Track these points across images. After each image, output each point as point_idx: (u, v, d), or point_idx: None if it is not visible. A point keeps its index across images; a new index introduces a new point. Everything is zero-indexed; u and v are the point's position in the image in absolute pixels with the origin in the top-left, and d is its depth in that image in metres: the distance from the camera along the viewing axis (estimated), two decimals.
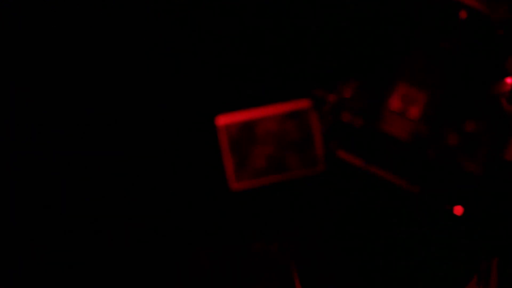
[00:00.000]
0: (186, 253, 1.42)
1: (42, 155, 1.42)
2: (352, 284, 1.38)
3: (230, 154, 1.18)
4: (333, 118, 1.15)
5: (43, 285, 1.42)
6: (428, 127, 1.10)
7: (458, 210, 1.13)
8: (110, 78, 1.42)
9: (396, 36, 1.22)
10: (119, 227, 1.43)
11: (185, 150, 1.40)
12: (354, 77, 1.14)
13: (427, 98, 1.11)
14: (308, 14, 1.38)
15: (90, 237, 1.42)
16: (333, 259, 1.39)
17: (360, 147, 1.14)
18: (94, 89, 1.42)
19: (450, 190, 1.11)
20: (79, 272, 1.41)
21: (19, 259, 1.41)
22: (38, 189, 1.42)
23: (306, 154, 1.18)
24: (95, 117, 1.42)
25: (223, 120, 1.17)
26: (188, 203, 1.42)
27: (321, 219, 1.39)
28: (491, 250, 1.20)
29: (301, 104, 1.17)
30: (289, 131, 1.18)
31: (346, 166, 1.16)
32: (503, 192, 1.11)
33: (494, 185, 1.10)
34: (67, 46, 1.41)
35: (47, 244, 1.42)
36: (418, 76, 1.11)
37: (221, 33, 1.41)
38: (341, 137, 1.15)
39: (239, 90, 1.38)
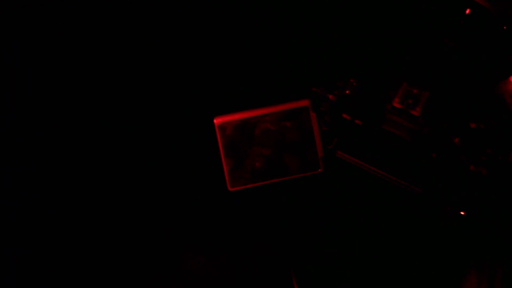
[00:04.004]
0: (184, 253, 1.40)
1: (42, 155, 1.40)
2: (350, 284, 1.34)
3: (228, 154, 1.14)
4: (332, 118, 1.10)
5: (43, 285, 1.39)
6: (430, 126, 1.04)
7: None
8: (110, 78, 1.41)
9: (398, 34, 1.19)
10: (117, 227, 1.40)
11: (183, 151, 1.39)
12: (354, 76, 1.09)
13: (429, 97, 1.06)
14: (307, 14, 1.34)
15: (88, 237, 1.39)
16: (331, 260, 1.35)
17: (361, 147, 1.09)
18: (94, 89, 1.41)
19: (453, 191, 1.05)
20: (78, 272, 1.40)
21: (19, 259, 1.39)
22: (38, 189, 1.40)
23: (305, 154, 1.14)
24: (94, 117, 1.41)
25: (220, 120, 1.12)
26: (187, 204, 1.40)
27: (320, 219, 1.36)
28: (495, 252, 1.15)
29: (300, 103, 1.12)
30: (288, 131, 1.13)
31: (346, 167, 1.11)
32: (507, 193, 1.05)
33: (498, 185, 1.04)
34: (67, 46, 1.41)
35: (47, 244, 1.40)
36: (420, 75, 1.06)
37: (220, 33, 1.38)
38: (341, 137, 1.10)
39: (239, 91, 1.36)
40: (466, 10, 1.08)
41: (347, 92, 1.10)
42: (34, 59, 1.39)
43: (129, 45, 1.39)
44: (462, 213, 1.07)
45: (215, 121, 1.14)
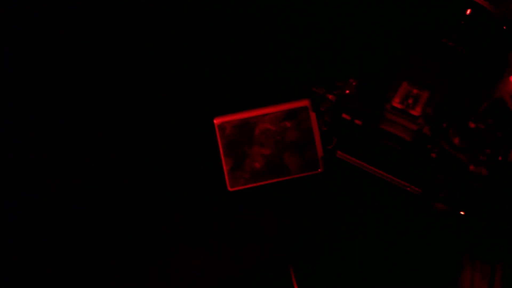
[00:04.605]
0: (184, 253, 1.39)
1: (42, 155, 1.40)
2: (350, 284, 1.33)
3: (227, 154, 1.13)
4: (332, 118, 1.09)
5: (43, 285, 1.39)
6: (430, 126, 1.04)
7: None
8: (109, 78, 1.40)
9: (398, 34, 1.18)
10: (116, 227, 1.40)
11: (183, 151, 1.39)
12: (354, 76, 1.09)
13: (429, 97, 1.05)
14: (307, 14, 1.34)
15: (88, 236, 1.40)
16: (331, 260, 1.34)
17: (361, 147, 1.08)
18: (94, 89, 1.40)
19: (453, 191, 1.05)
20: (77, 271, 1.40)
21: (19, 259, 1.39)
22: (38, 189, 1.40)
23: (305, 154, 1.13)
24: (94, 117, 1.41)
25: (220, 120, 1.12)
26: (186, 203, 1.40)
27: (320, 219, 1.35)
28: (495, 252, 1.15)
29: (300, 103, 1.12)
30: (288, 131, 1.13)
31: (346, 167, 1.11)
32: (507, 193, 1.05)
33: (498, 186, 1.04)
34: (67, 46, 1.40)
35: (47, 244, 1.40)
36: (420, 75, 1.06)
37: (220, 33, 1.38)
38: (341, 137, 1.09)
39: (238, 91, 1.34)
40: (466, 10, 1.08)
41: (347, 92, 1.09)
42: (34, 59, 1.39)
43: (129, 45, 1.39)
44: (462, 213, 1.06)
45: (215, 121, 1.13)
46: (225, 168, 1.15)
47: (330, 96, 1.10)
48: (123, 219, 1.39)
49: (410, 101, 1.05)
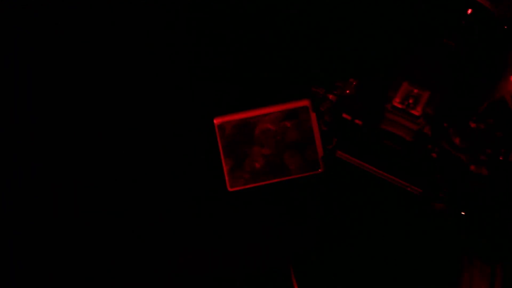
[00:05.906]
0: (183, 253, 1.39)
1: (42, 155, 1.39)
2: (350, 284, 1.33)
3: (228, 154, 1.13)
4: (332, 118, 1.09)
5: (42, 285, 1.38)
6: (431, 126, 1.03)
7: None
8: (109, 78, 1.40)
9: (398, 34, 1.18)
10: (116, 228, 1.39)
11: (183, 151, 1.39)
12: (354, 76, 1.08)
13: (430, 97, 1.05)
14: (307, 14, 1.33)
15: (87, 236, 1.39)
16: (331, 260, 1.34)
17: (361, 147, 1.08)
18: (94, 89, 1.40)
19: (454, 191, 1.04)
20: (76, 272, 1.40)
21: (19, 259, 1.39)
22: (38, 189, 1.39)
23: (305, 154, 1.13)
24: (94, 117, 1.40)
25: (220, 120, 1.12)
26: (186, 203, 1.39)
27: (320, 219, 1.35)
28: (495, 252, 1.15)
29: (300, 103, 1.12)
30: (288, 131, 1.13)
31: (346, 167, 1.10)
32: (508, 193, 1.04)
33: (499, 186, 1.03)
34: (67, 46, 1.40)
35: (46, 244, 1.39)
36: (421, 75, 1.05)
37: (220, 33, 1.38)
38: (341, 137, 1.09)
39: (239, 91, 1.34)
40: (467, 10, 1.08)
41: (347, 92, 1.09)
42: (34, 59, 1.39)
43: (129, 45, 1.39)
44: (462, 213, 1.06)
45: (215, 121, 1.13)
46: (225, 168, 1.15)
47: (330, 96, 1.10)
48: (123, 219, 1.39)
49: (411, 101, 1.04)
